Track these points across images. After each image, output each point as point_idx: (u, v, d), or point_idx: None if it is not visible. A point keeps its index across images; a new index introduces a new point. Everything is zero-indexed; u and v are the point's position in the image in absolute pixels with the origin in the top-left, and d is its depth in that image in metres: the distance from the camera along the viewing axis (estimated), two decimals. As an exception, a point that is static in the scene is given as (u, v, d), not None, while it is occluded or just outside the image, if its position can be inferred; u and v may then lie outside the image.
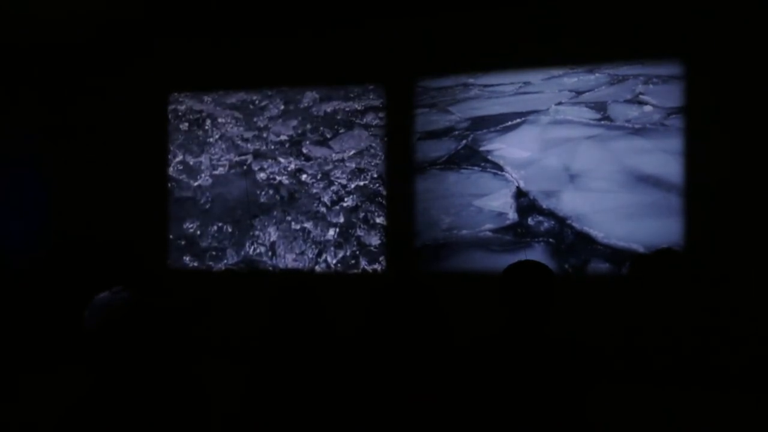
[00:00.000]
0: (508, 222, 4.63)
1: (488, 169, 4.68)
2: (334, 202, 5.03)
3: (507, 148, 4.65)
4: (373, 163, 4.94)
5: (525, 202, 4.59)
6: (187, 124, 5.43)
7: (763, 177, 4.12)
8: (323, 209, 5.05)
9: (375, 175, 4.93)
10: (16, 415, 3.78)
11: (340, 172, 5.02)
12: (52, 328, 5.13)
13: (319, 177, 5.07)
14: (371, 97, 4.97)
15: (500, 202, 4.65)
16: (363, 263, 4.93)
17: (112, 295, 1.68)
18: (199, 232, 5.34)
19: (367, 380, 1.71)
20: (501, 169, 4.65)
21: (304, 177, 5.11)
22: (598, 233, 4.44)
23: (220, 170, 5.31)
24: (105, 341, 1.61)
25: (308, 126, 5.13)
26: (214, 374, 2.32)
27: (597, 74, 4.50)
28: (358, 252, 4.95)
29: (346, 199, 5.00)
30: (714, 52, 4.21)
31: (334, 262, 5.00)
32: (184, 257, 5.36)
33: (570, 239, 4.49)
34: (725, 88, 4.17)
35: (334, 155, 5.05)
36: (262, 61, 5.20)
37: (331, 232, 5.02)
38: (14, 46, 5.29)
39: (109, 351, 1.61)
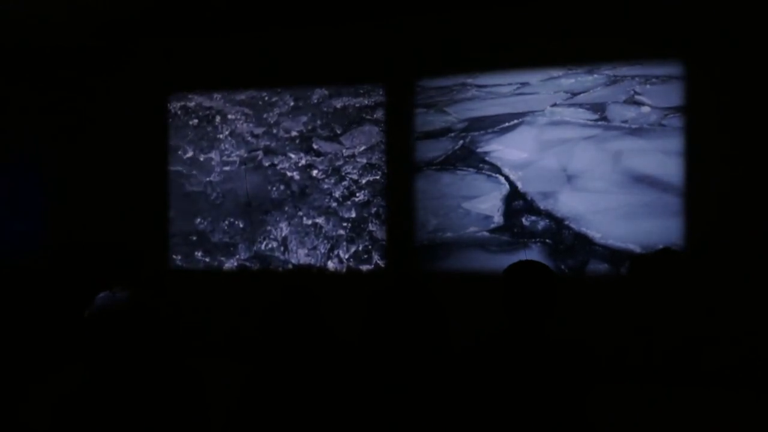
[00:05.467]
0: (492, 225, 4.64)
1: (484, 171, 4.70)
2: (345, 198, 5.04)
3: (504, 149, 4.66)
4: (384, 159, 4.96)
5: (516, 205, 4.60)
6: (196, 120, 5.44)
7: (763, 177, 4.13)
8: (335, 204, 5.06)
9: (386, 171, 4.94)
10: (20, 416, 3.83)
11: (351, 167, 5.03)
12: (55, 328, 5.17)
13: (329, 172, 5.08)
14: (381, 93, 4.97)
15: (488, 204, 4.67)
16: (375, 258, 4.94)
17: (112, 295, 1.70)
18: (210, 228, 5.38)
19: (366, 381, 1.72)
20: (498, 170, 4.66)
21: (314, 173, 5.13)
22: (595, 234, 4.44)
23: (231, 166, 5.33)
24: (104, 339, 1.64)
25: (318, 122, 5.14)
26: (215, 374, 2.34)
27: (595, 75, 4.51)
28: (370, 246, 4.96)
29: (357, 194, 5.00)
30: (714, 52, 4.21)
31: (347, 257, 5.01)
32: (196, 252, 5.40)
33: (568, 240, 4.51)
34: (725, 88, 4.18)
35: (344, 151, 5.06)
36: (259, 59, 5.20)
37: (343, 227, 5.03)
38: (14, 47, 5.32)
39: (108, 349, 1.64)
